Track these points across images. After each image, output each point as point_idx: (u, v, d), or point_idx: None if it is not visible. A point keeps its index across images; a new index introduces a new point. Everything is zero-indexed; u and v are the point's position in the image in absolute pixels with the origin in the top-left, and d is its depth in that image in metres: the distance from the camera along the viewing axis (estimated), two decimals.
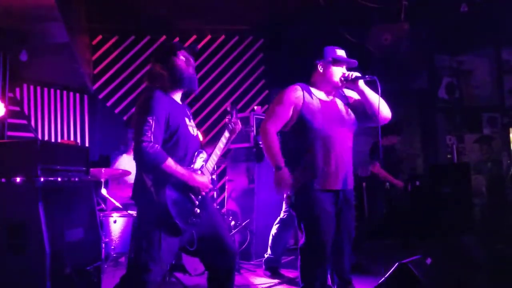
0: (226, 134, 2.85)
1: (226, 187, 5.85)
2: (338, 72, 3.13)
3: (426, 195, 6.56)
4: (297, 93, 3.08)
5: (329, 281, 3.22)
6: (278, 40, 7.13)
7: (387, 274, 3.18)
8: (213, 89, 7.20)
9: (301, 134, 3.04)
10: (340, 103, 3.18)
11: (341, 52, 3.22)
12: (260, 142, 3.26)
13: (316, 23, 6.69)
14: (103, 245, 4.08)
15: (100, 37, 6.95)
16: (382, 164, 5.43)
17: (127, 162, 5.23)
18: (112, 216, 4.68)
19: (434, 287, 3.10)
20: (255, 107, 5.86)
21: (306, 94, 3.08)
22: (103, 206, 5.16)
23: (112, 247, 4.62)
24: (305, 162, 3.01)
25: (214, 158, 2.72)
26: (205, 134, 6.82)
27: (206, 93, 7.15)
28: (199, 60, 7.16)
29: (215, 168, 5.20)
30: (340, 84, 3.13)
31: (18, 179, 2.93)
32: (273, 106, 3.11)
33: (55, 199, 3.06)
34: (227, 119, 2.93)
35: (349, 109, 3.19)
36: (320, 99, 3.11)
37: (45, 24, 4.33)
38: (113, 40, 6.99)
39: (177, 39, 7.15)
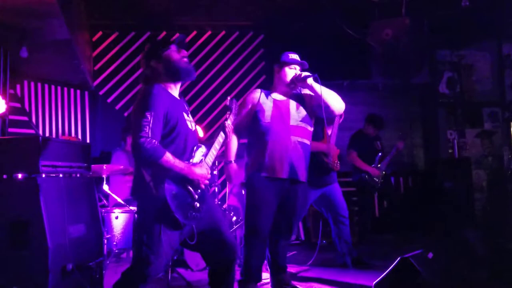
0: (220, 139, 2.84)
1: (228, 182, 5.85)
2: (291, 73, 3.52)
3: (427, 189, 6.58)
4: (255, 94, 3.55)
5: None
6: (278, 36, 7.11)
7: (389, 268, 3.19)
8: (213, 85, 7.18)
9: (254, 130, 3.49)
10: (292, 102, 3.55)
11: (293, 56, 3.57)
12: None
13: (317, 18, 6.68)
14: (105, 241, 4.09)
15: (100, 33, 6.94)
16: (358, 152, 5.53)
17: (123, 158, 5.27)
18: (114, 212, 4.69)
19: (435, 281, 3.10)
20: None
21: (263, 95, 3.53)
22: (105, 202, 5.17)
23: (114, 243, 4.63)
24: (255, 153, 3.45)
25: (213, 152, 2.72)
26: (205, 130, 6.82)
27: (206, 89, 7.15)
28: (199, 56, 7.16)
29: (216, 164, 5.21)
30: (292, 83, 3.50)
31: (19, 176, 2.94)
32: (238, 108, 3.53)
33: (56, 195, 3.07)
34: (227, 114, 2.93)
35: (301, 107, 3.55)
36: (274, 99, 3.53)
37: (46, 21, 4.33)
38: (113, 37, 6.98)
39: (177, 35, 7.13)
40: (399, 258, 3.15)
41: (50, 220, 2.88)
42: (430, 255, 3.38)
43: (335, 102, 3.46)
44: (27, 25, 4.45)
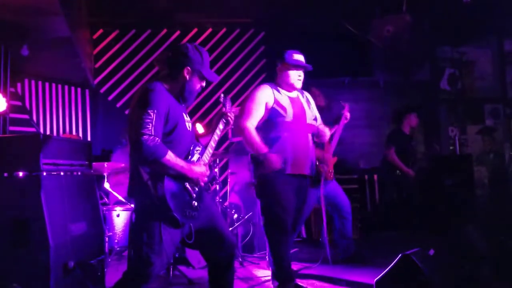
0: (221, 126, 2.84)
1: (229, 180, 5.86)
2: (294, 75, 3.48)
3: (429, 186, 6.57)
4: (268, 91, 3.44)
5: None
6: (279, 33, 7.09)
7: (390, 265, 3.19)
8: (214, 83, 7.17)
9: (272, 127, 3.39)
10: (303, 100, 3.58)
11: (298, 57, 3.49)
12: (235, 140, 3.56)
13: (318, 15, 6.67)
14: (107, 239, 4.09)
15: (101, 31, 6.94)
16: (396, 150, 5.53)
17: (124, 156, 5.28)
18: (115, 210, 4.70)
19: (437, 278, 3.10)
20: None
21: (276, 92, 3.46)
22: (106, 200, 5.18)
23: (116, 240, 4.64)
24: (276, 150, 3.31)
25: (210, 150, 2.71)
26: (206, 127, 6.81)
27: (207, 87, 7.11)
28: None
29: (217, 161, 5.20)
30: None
31: (20, 174, 2.93)
32: (247, 105, 3.43)
33: (58, 193, 3.07)
34: (223, 110, 2.93)
35: (311, 106, 3.60)
36: (288, 96, 3.49)
37: (46, 19, 4.33)
38: (114, 34, 6.98)
39: (178, 32, 7.14)
40: (400, 255, 3.15)
41: (51, 218, 2.88)
42: (431, 252, 3.38)
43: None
44: (28, 23, 4.45)
